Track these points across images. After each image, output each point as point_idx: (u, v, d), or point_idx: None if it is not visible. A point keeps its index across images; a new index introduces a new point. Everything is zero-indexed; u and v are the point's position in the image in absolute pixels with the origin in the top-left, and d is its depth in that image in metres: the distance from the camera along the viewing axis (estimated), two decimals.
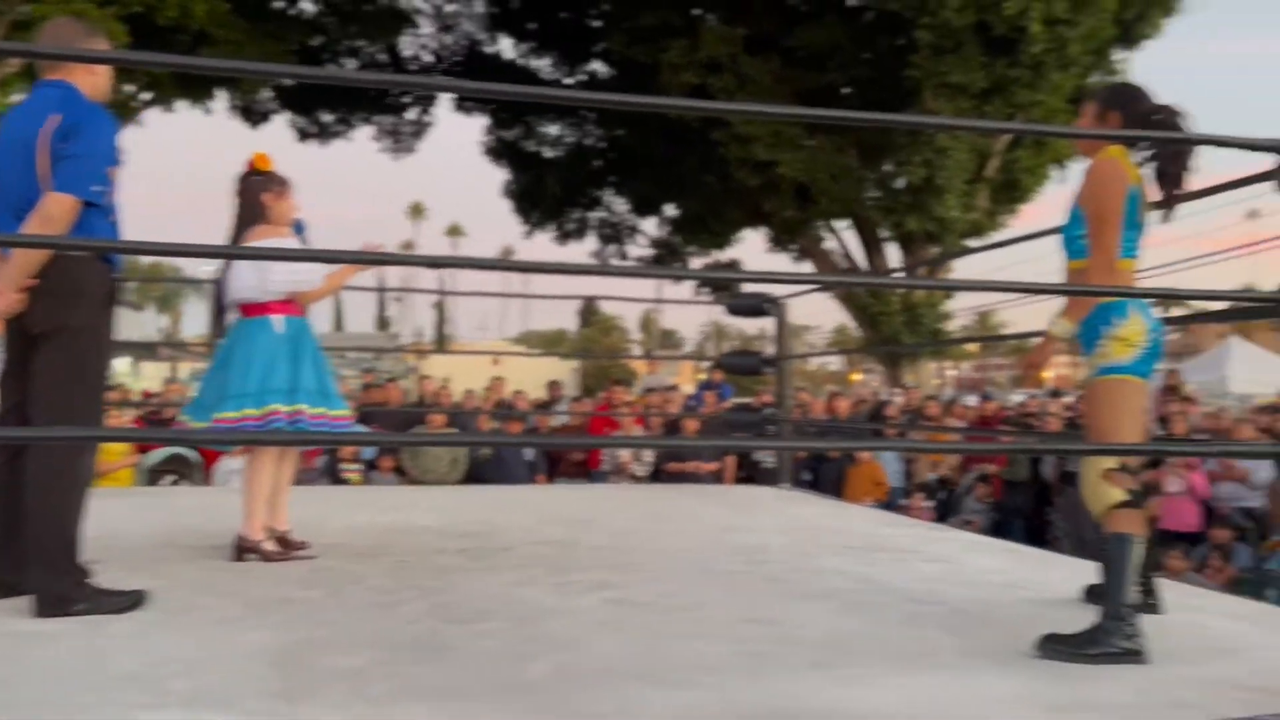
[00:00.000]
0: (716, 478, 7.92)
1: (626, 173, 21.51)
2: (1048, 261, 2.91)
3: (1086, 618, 2.38)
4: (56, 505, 2.60)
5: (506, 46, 21.60)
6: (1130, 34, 16.83)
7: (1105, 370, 2.49)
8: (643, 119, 18.58)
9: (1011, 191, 17.99)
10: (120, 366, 24.50)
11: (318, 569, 3.29)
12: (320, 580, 3.09)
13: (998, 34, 14.75)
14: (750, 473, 8.23)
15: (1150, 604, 2.68)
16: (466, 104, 21.87)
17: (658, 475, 8.01)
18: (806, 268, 20.39)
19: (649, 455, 7.91)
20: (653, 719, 1.93)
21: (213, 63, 2.83)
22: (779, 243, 20.75)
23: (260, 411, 3.26)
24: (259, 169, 3.53)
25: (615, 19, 18.35)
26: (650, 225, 23.06)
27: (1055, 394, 11.04)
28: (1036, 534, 7.67)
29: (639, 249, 23.11)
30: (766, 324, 6.18)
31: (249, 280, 3.37)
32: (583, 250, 23.51)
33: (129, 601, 2.67)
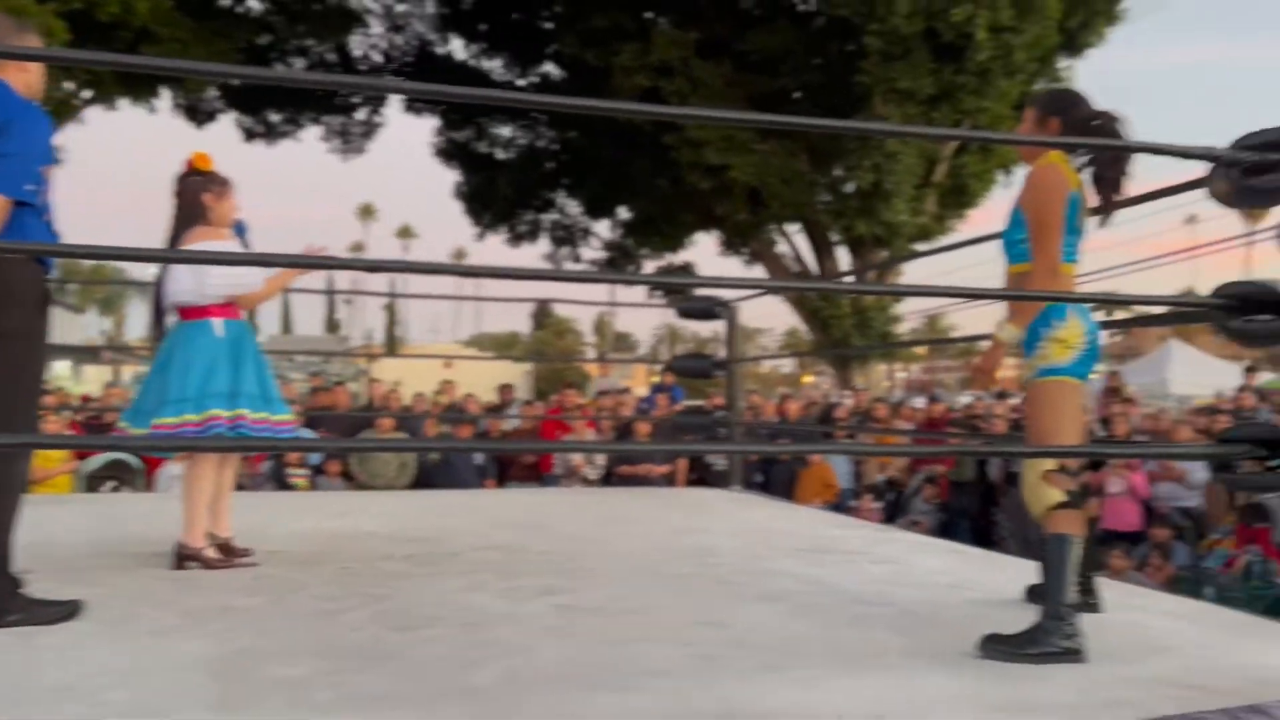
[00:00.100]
0: (668, 480, 7.93)
1: (579, 175, 21.48)
2: (994, 265, 2.95)
3: (1029, 617, 2.42)
4: None
5: (457, 47, 21.48)
6: (1074, 42, 17.17)
7: (1044, 372, 2.53)
8: (595, 121, 18.57)
9: (959, 196, 18.26)
10: (61, 370, 23.96)
11: (260, 576, 3.23)
12: (262, 588, 3.04)
13: (945, 41, 14.96)
14: (702, 475, 8.26)
15: (1090, 603, 2.72)
16: (417, 105, 21.70)
17: (610, 478, 8.01)
18: (758, 271, 20.51)
19: (601, 458, 7.90)
20: None
21: (157, 61, 2.76)
22: (731, 246, 20.85)
23: (200, 417, 3.20)
24: (199, 169, 3.46)
25: (567, 21, 18.32)
26: (603, 228, 23.07)
27: (1002, 396, 11.20)
28: (983, 534, 7.78)
29: (592, 251, 23.11)
30: (720, 327, 6.20)
31: (187, 283, 3.30)
32: (535, 252, 23.52)
33: (64, 612, 2.60)
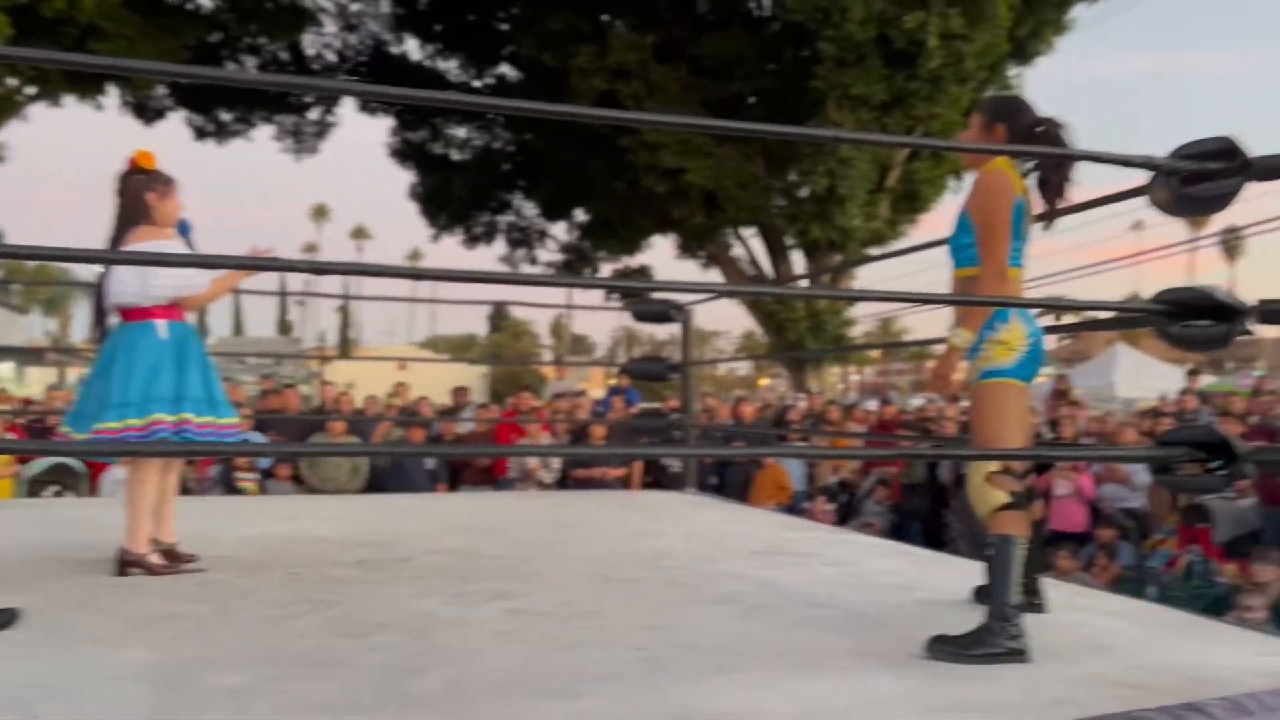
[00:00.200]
0: (623, 483, 7.93)
1: (535, 177, 21.42)
2: (946, 270, 2.98)
3: (976, 618, 2.44)
4: None
5: (412, 48, 21.33)
6: (1024, 50, 17.46)
7: (987, 374, 2.56)
8: (551, 123, 18.52)
9: (912, 202, 18.48)
10: (4, 372, 23.42)
11: (206, 583, 3.18)
12: (207, 595, 2.99)
13: (898, 48, 15.14)
14: (657, 478, 8.27)
15: (1035, 604, 2.76)
16: (372, 105, 21.50)
17: (565, 482, 7.99)
18: (714, 274, 20.59)
19: (556, 461, 7.88)
20: None
21: (105, 61, 2.71)
22: (687, 249, 20.91)
23: (143, 421, 3.14)
24: (142, 167, 3.39)
25: (524, 22, 18.26)
26: (559, 230, 23.02)
27: (953, 399, 11.34)
28: (934, 536, 7.87)
29: (548, 254, 23.05)
30: (676, 330, 6.22)
31: (130, 284, 3.23)
32: (491, 254, 23.36)
33: (0, 620, 2.54)
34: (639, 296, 7.06)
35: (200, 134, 20.52)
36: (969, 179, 2.77)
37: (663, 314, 6.03)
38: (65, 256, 2.00)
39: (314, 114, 21.56)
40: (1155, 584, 6.39)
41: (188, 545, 3.47)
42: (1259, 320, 2.39)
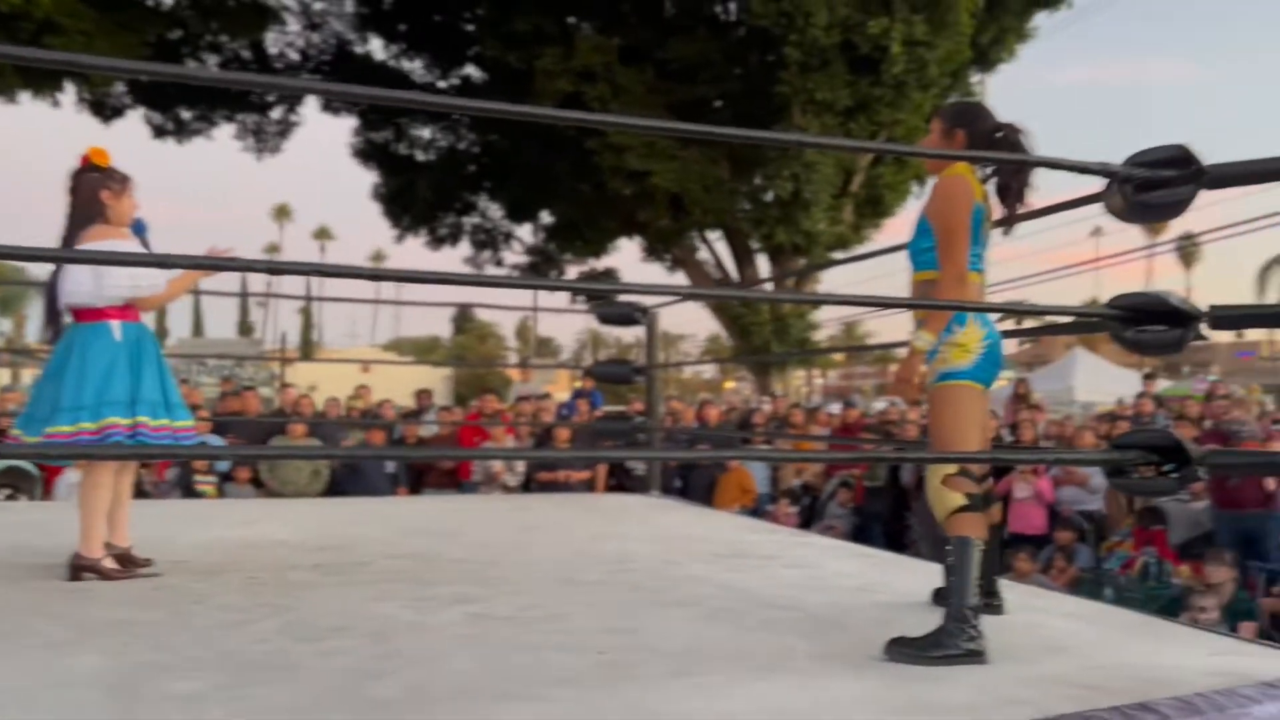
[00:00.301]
0: (588, 486, 7.91)
1: (500, 178, 21.33)
2: (908, 274, 3.00)
3: (935, 620, 2.46)
4: None
5: (377, 47, 21.17)
6: (986, 57, 17.66)
7: (945, 376, 2.59)
8: (517, 125, 18.46)
9: (875, 206, 18.62)
10: None
11: (161, 588, 3.13)
12: (163, 600, 2.95)
13: (862, 53, 15.25)
14: (621, 481, 8.26)
15: (993, 605, 2.78)
16: (335, 104, 21.32)
17: (529, 485, 7.96)
18: (680, 278, 20.62)
19: (520, 465, 7.85)
20: None
21: (64, 56, 2.64)
22: (653, 252, 20.92)
23: (97, 425, 3.08)
24: (96, 164, 3.33)
25: (489, 23, 18.19)
26: (525, 232, 22.95)
27: (915, 401, 11.44)
28: (895, 538, 7.93)
29: (514, 256, 22.97)
30: (641, 332, 6.22)
31: (85, 284, 3.17)
32: (456, 256, 23.22)
33: None
34: (604, 299, 7.06)
35: (159, 132, 20.24)
36: (930, 184, 2.80)
37: (628, 317, 6.03)
38: (17, 255, 1.96)
39: (276, 113, 21.34)
40: (1112, 585, 6.48)
41: (144, 550, 3.42)
42: (1211, 325, 2.43)
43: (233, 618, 2.74)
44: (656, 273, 21.11)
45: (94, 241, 3.20)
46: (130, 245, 3.29)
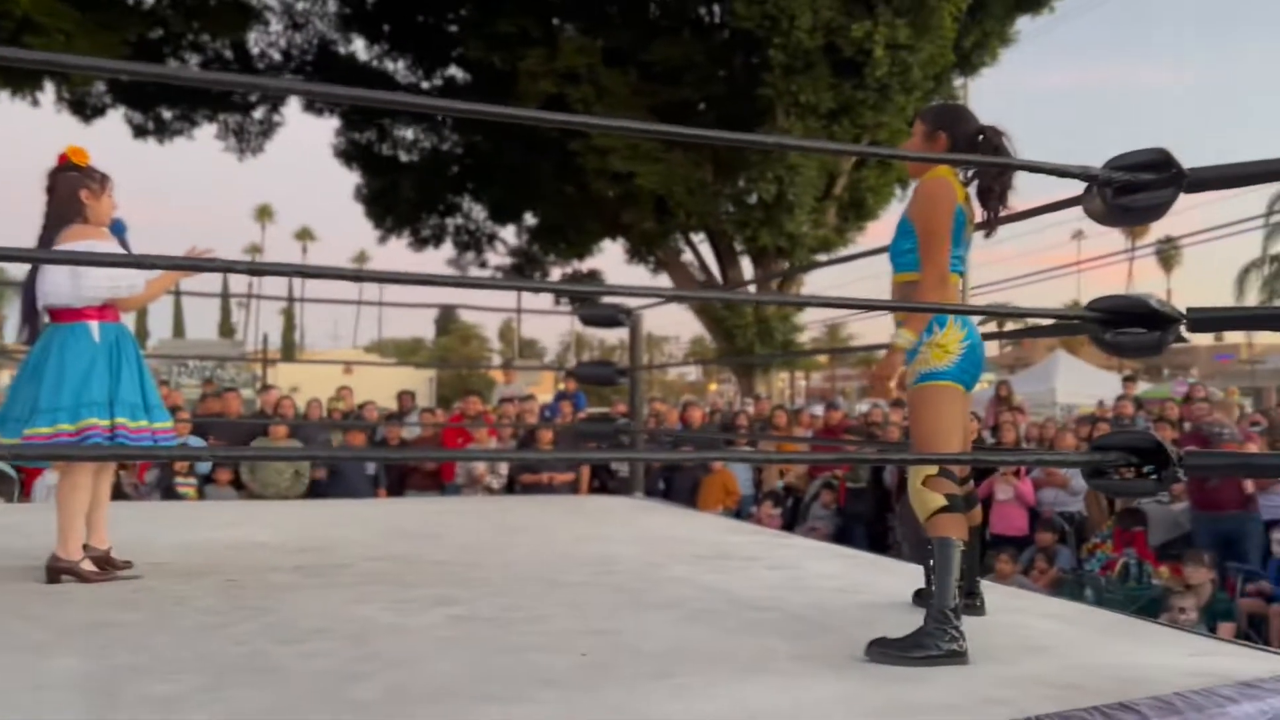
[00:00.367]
0: (571, 488, 7.90)
1: (484, 180, 21.28)
2: (890, 277, 3.01)
3: (916, 621, 2.47)
4: None
5: (360, 47, 21.09)
6: (969, 61, 17.75)
7: (925, 377, 2.60)
8: (500, 126, 18.44)
9: (859, 209, 18.68)
10: None
11: (140, 590, 3.11)
12: (142, 602, 2.93)
13: (845, 56, 15.30)
14: (604, 483, 8.26)
15: (974, 606, 2.80)
16: (317, 105, 21.23)
17: (512, 487, 7.95)
18: (664, 280, 20.63)
19: (504, 467, 7.83)
20: None
21: (45, 56, 2.61)
22: (636, 254, 20.92)
23: (75, 426, 3.06)
24: (74, 163, 3.31)
25: (472, 24, 18.15)
26: (508, 233, 22.91)
27: (898, 403, 11.48)
28: (878, 539, 7.96)
29: (497, 257, 22.92)
30: (625, 334, 6.23)
31: (63, 284, 3.15)
32: (439, 257, 23.15)
33: None
34: (588, 301, 7.06)
35: (140, 132, 20.10)
36: (913, 186, 2.81)
37: (611, 318, 6.03)
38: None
39: (258, 113, 21.24)
40: (1092, 586, 6.52)
41: (123, 552, 3.39)
42: (1189, 328, 2.44)
43: (213, 620, 2.73)
44: (640, 275, 21.09)
45: (72, 241, 3.18)
46: (109, 245, 3.26)
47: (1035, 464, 7.30)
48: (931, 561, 2.49)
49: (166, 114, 20.14)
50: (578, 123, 2.85)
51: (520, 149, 19.01)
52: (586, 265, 23.06)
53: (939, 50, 15.76)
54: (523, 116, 2.47)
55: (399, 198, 21.47)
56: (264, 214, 71.25)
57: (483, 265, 22.85)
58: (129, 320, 3.48)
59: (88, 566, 3.22)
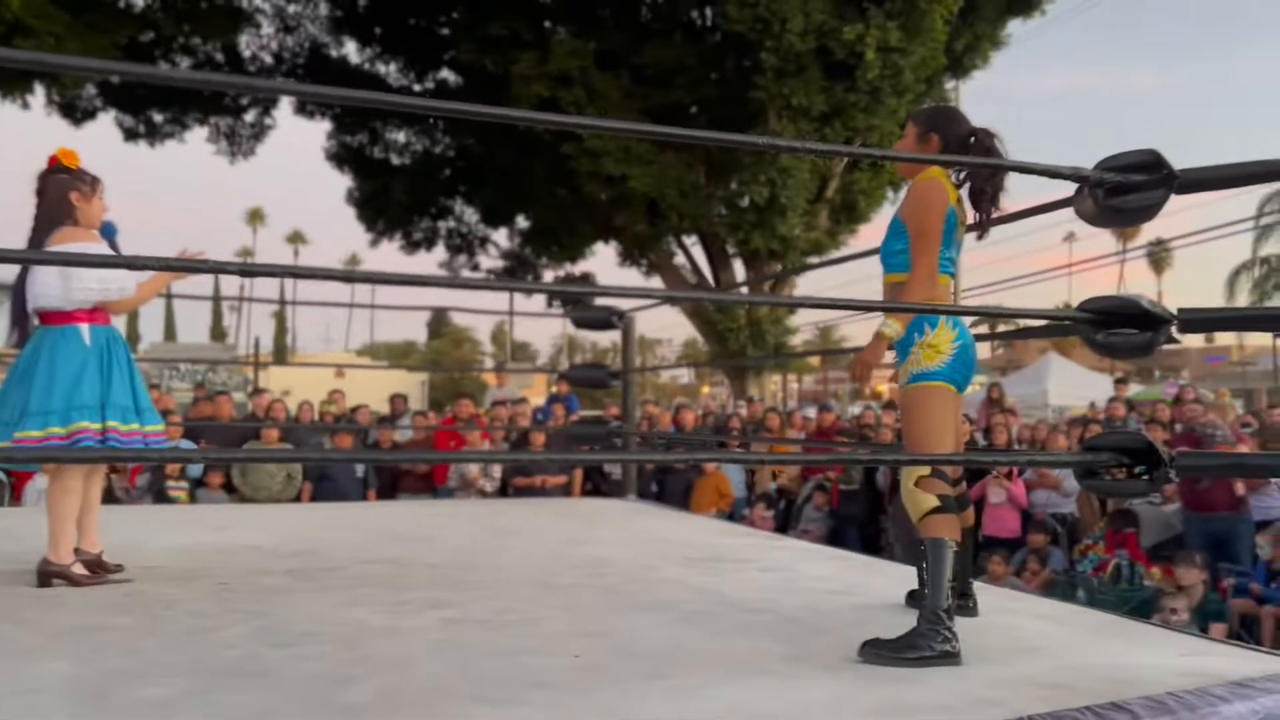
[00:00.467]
0: (564, 491, 7.89)
1: (476, 183, 21.26)
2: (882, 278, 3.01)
3: (909, 622, 2.47)
4: None
5: (351, 51, 21.06)
6: (960, 64, 17.79)
7: (916, 377, 2.60)
8: (493, 129, 18.43)
9: (851, 212, 18.71)
10: None
11: (131, 594, 3.10)
12: (133, 606, 2.92)
13: (837, 59, 15.32)
14: (597, 485, 8.25)
15: (967, 607, 2.80)
16: (309, 108, 21.19)
17: (505, 490, 7.93)
18: (656, 282, 20.63)
19: (496, 470, 7.82)
20: None
21: (37, 56, 2.60)
22: (629, 257, 20.92)
23: (66, 430, 3.05)
24: (65, 165, 3.29)
25: (464, 27, 18.14)
26: (501, 236, 22.89)
27: (891, 406, 11.49)
28: (871, 541, 7.96)
29: (490, 260, 22.90)
30: (618, 337, 6.22)
31: (53, 286, 3.13)
32: (431, 260, 23.13)
33: None
34: (581, 304, 7.06)
35: (130, 135, 20.04)
36: (905, 188, 2.81)
37: (603, 321, 6.03)
38: None
39: (250, 116, 21.19)
40: (1085, 587, 6.53)
41: (115, 555, 3.38)
42: (1181, 328, 2.45)
43: (204, 623, 2.72)
44: (633, 278, 21.07)
45: (63, 243, 3.17)
46: (99, 248, 3.25)
47: (1028, 465, 7.31)
48: (924, 562, 2.49)
49: (157, 117, 20.09)
50: (570, 124, 2.85)
51: (512, 152, 19.00)
52: (579, 268, 23.05)
53: (930, 53, 15.79)
54: (516, 118, 2.46)
55: (391, 201, 21.44)
56: (255, 217, 71.10)
57: (475, 268, 22.83)
58: (119, 324, 3.46)
59: (79, 570, 3.21)
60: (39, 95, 17.95)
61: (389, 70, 20.93)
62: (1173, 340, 2.47)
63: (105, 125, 19.79)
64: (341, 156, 21.64)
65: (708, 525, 5.50)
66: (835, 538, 7.66)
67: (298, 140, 26.53)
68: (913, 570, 2.85)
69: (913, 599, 2.87)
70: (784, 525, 8.39)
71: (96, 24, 15.64)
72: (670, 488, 8.51)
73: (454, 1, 18.54)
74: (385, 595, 3.12)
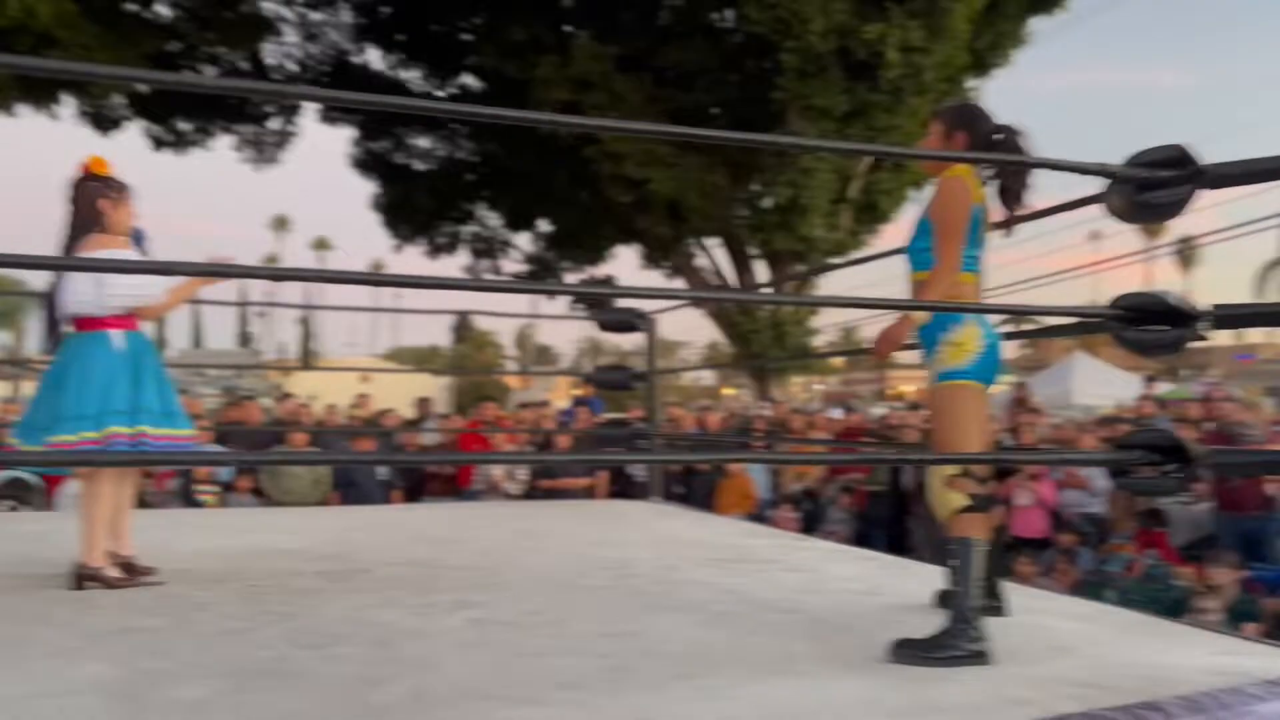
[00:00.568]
0: (589, 493, 7.90)
1: (499, 187, 21.33)
2: (905, 281, 3.00)
3: (937, 622, 2.46)
4: None
5: (375, 58, 21.19)
6: (983, 62, 17.68)
7: (943, 376, 2.59)
8: (515, 133, 18.50)
9: (872, 212, 18.61)
10: None
11: (164, 596, 3.13)
12: (165, 608, 2.95)
13: (858, 59, 15.26)
14: (622, 488, 8.25)
15: (995, 607, 2.78)
16: (333, 114, 21.34)
17: (531, 492, 7.94)
18: (679, 285, 20.61)
19: (522, 473, 7.84)
20: None
21: (71, 65, 2.66)
22: (652, 260, 20.93)
23: (100, 434, 3.08)
24: (95, 173, 3.34)
25: (486, 32, 18.22)
26: (524, 241, 22.96)
27: (915, 407, 11.43)
28: (897, 542, 7.91)
29: (513, 264, 22.97)
30: (640, 339, 6.22)
31: (85, 293, 3.18)
32: (455, 265, 23.21)
33: None
34: (603, 306, 7.07)
35: (159, 144, 20.25)
36: (929, 188, 2.80)
37: (626, 323, 6.03)
38: (18, 263, 1.96)
39: (274, 124, 21.35)
40: (1114, 588, 6.46)
41: (146, 558, 3.41)
42: (1214, 325, 2.43)
43: (235, 625, 2.74)
44: (656, 280, 21.04)
45: (94, 251, 3.21)
46: (130, 254, 3.29)
47: (1060, 463, 7.25)
48: (953, 562, 2.48)
49: (183, 126, 20.28)
50: (593, 125, 2.87)
51: (534, 156, 19.05)
52: (601, 271, 23.08)
53: (953, 52, 15.70)
54: (539, 120, 2.48)
55: (414, 206, 21.55)
56: (280, 225, 71.64)
57: (497, 273, 22.91)
58: (148, 330, 3.50)
59: (112, 573, 3.25)
60: (69, 105, 18.18)
61: (412, 77, 21.05)
62: (1200, 337, 2.45)
63: (133, 134, 20.01)
64: (366, 163, 21.78)
65: (732, 526, 5.49)
66: (861, 539, 7.62)
67: (322, 147, 26.71)
68: (940, 570, 2.84)
69: (941, 599, 2.85)
70: (809, 527, 8.36)
71: (124, 35, 15.82)
72: (694, 490, 8.50)
73: (475, 7, 18.63)
74: (414, 597, 3.13)
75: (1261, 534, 6.49)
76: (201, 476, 6.89)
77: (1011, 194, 2.70)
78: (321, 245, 71.54)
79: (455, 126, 20.44)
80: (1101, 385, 18.85)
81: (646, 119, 15.65)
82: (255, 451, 7.13)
